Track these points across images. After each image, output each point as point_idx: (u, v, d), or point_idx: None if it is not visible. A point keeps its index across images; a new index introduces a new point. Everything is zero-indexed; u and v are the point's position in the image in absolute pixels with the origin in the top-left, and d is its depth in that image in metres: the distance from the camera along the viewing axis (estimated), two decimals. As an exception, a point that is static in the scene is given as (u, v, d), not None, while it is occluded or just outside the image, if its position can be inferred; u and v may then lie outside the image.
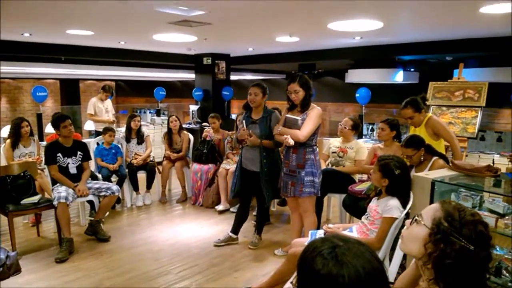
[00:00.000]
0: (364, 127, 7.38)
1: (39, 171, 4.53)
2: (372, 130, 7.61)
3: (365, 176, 4.41)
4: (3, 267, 3.33)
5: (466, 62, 5.90)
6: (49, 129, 7.08)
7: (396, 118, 4.31)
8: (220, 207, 5.15)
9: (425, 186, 2.63)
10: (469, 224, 1.25)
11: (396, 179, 2.65)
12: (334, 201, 4.90)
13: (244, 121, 3.79)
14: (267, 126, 3.73)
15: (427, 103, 5.16)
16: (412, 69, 8.47)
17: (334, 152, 4.42)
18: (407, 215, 2.62)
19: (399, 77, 8.02)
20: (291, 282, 2.69)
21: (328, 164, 4.48)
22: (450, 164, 2.96)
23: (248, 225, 4.37)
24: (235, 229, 4.15)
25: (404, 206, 2.65)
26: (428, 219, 1.32)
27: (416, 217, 1.37)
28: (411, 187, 2.76)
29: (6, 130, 5.34)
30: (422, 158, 3.29)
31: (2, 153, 4.70)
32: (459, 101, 5.28)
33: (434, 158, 3.28)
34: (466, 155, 5.06)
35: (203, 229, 4.60)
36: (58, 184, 4.13)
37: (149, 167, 5.50)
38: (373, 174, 2.79)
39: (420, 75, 8.68)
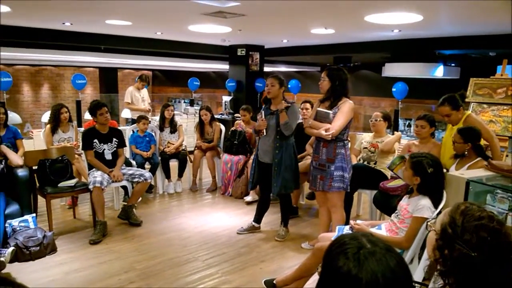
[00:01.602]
0: (400, 122, 7.16)
1: (76, 156, 4.71)
2: (409, 126, 7.38)
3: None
4: (40, 246, 3.52)
5: (511, 58, 5.61)
6: (88, 115, 7.33)
7: (432, 114, 4.16)
8: (248, 198, 5.19)
9: (459, 186, 2.54)
10: (470, 230, 1.21)
11: (428, 178, 2.56)
12: (364, 197, 4.83)
13: (263, 112, 3.90)
14: None
15: (467, 100, 4.97)
16: (453, 64, 8.13)
17: (366, 148, 4.34)
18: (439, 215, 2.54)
19: (439, 72, 7.71)
20: (317, 269, 2.71)
21: (359, 160, 4.41)
22: (487, 164, 2.85)
23: (277, 217, 4.38)
24: (257, 219, 4.26)
25: (436, 206, 2.57)
26: (438, 225, 1.31)
27: (429, 223, 1.36)
28: (444, 187, 2.66)
29: (47, 116, 5.57)
30: (466, 152, 3.25)
31: (42, 138, 4.92)
32: (502, 99, 5.04)
33: (478, 158, 3.17)
34: (507, 155, 4.83)
35: (231, 219, 4.65)
36: (94, 169, 4.28)
37: (181, 156, 5.60)
38: (405, 171, 2.72)
39: (461, 70, 8.32)
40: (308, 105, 4.90)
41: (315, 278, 2.96)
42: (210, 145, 5.75)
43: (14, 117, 6.18)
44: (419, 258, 2.62)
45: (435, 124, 3.97)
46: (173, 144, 5.60)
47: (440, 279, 1.29)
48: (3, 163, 3.76)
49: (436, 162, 2.62)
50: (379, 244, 0.95)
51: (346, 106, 3.35)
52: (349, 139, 3.55)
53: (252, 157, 5.31)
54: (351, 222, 2.78)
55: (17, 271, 3.24)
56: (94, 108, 4.26)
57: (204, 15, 4.85)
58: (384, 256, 0.91)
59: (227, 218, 4.67)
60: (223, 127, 6.03)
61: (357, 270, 0.88)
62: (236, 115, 8.16)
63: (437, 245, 1.26)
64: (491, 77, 5.17)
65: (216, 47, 8.59)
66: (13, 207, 3.66)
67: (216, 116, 6.67)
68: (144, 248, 3.80)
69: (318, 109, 3.43)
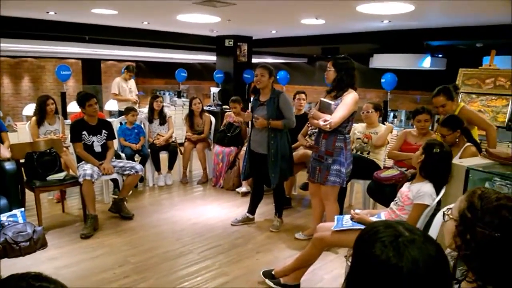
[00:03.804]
0: (390, 114, 7.22)
1: (64, 148, 4.59)
2: (395, 117, 7.46)
3: (390, 163, 4.33)
4: (30, 241, 3.42)
5: (498, 49, 5.68)
6: (71, 108, 7.15)
7: (422, 105, 4.14)
8: (242, 189, 5.15)
9: (459, 174, 2.55)
10: (491, 211, 1.21)
11: (432, 157, 2.55)
12: (357, 187, 4.84)
13: (251, 104, 3.87)
14: (275, 108, 3.76)
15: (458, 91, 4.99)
16: (440, 55, 8.20)
17: (359, 138, 4.34)
18: (439, 203, 2.55)
19: (426, 63, 7.77)
20: (345, 256, 2.73)
21: (352, 150, 4.40)
22: (484, 152, 2.87)
23: (270, 208, 4.36)
24: (251, 210, 4.24)
25: (437, 193, 2.57)
26: (455, 212, 1.30)
27: (446, 212, 1.36)
28: (449, 173, 2.64)
29: (29, 108, 5.40)
30: (457, 140, 3.22)
31: (27, 130, 4.76)
32: (490, 89, 5.12)
33: (467, 144, 3.19)
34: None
35: (224, 210, 4.61)
36: (83, 162, 4.17)
37: (171, 148, 5.52)
38: (417, 152, 2.71)
39: (447, 61, 8.41)
40: (303, 96, 4.88)
41: (312, 268, 2.96)
42: (200, 137, 5.67)
43: (-5, 110, 6.00)
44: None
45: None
46: (162, 136, 5.51)
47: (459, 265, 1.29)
48: (-12, 156, 3.63)
49: (444, 147, 2.61)
50: (417, 231, 0.90)
51: (349, 98, 3.25)
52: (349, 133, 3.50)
53: (244, 148, 5.27)
54: (352, 211, 2.76)
55: (6, 267, 3.13)
56: (83, 99, 4.14)
57: (194, 4, 4.75)
58: (424, 244, 0.87)
59: (220, 210, 4.63)
60: (213, 119, 5.96)
61: (397, 259, 0.84)
62: (224, 106, 8.08)
63: (458, 232, 1.25)
64: (480, 67, 5.24)
65: (203, 37, 8.47)
66: (1, 202, 3.54)
67: (204, 108, 6.58)
68: (137, 242, 3.73)
69: (321, 99, 3.37)
